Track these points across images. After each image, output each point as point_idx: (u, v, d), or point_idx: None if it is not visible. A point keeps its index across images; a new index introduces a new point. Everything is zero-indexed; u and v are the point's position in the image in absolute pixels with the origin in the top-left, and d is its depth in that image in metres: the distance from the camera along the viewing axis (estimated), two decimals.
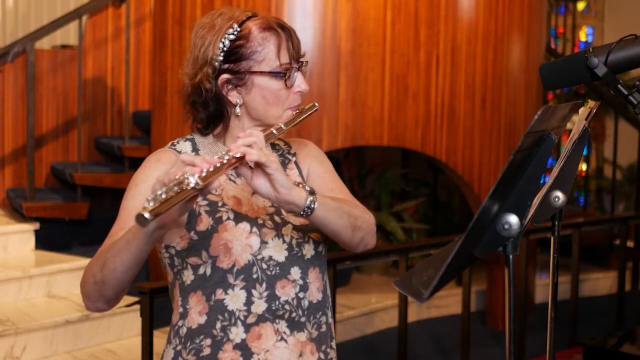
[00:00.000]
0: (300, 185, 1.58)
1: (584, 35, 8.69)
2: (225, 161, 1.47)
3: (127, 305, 3.23)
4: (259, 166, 1.52)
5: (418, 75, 4.44)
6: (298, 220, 1.71)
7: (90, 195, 5.04)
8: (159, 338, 3.05)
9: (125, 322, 4.11)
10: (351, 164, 5.70)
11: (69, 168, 5.01)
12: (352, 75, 4.28)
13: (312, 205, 1.57)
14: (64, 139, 5.32)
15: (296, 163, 1.81)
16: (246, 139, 1.52)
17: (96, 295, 1.63)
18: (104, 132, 5.52)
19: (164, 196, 1.38)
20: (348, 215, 1.66)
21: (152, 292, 2.92)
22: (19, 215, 4.87)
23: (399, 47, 4.37)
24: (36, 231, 4.69)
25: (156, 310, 2.97)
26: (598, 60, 1.53)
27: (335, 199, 1.67)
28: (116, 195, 5.17)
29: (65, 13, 5.18)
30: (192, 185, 1.40)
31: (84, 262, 4.26)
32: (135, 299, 3.12)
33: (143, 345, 2.95)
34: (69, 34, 6.02)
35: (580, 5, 8.46)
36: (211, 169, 1.44)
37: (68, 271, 4.28)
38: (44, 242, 4.72)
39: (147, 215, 1.35)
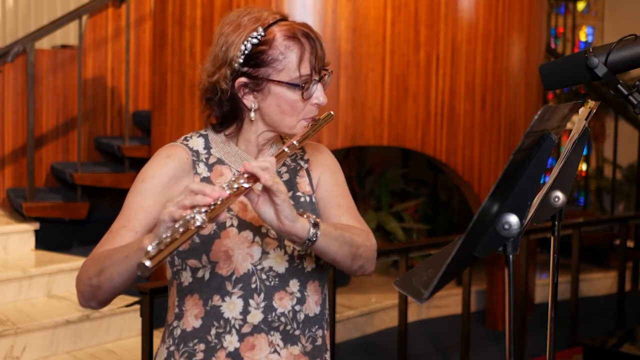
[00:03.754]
0: (306, 216, 1.56)
1: (584, 35, 8.69)
2: (235, 189, 1.45)
3: (127, 305, 3.23)
4: (266, 192, 1.50)
5: (418, 75, 4.44)
6: None
7: (90, 195, 5.04)
8: (159, 338, 3.05)
9: (125, 322, 4.11)
10: (351, 164, 5.70)
11: (69, 168, 5.01)
12: (352, 75, 4.28)
13: (314, 238, 1.56)
14: (64, 139, 5.32)
15: (307, 171, 1.78)
16: (260, 163, 1.49)
17: (90, 296, 1.63)
18: (104, 132, 5.52)
19: (168, 240, 1.37)
20: (349, 245, 1.65)
21: (152, 292, 2.92)
22: (19, 215, 4.87)
23: (399, 47, 4.37)
24: (36, 231, 4.69)
25: (156, 310, 2.97)
26: (598, 60, 1.53)
27: (339, 227, 1.65)
28: (116, 195, 5.17)
29: (65, 13, 5.18)
30: (198, 224, 1.39)
31: None
32: (135, 299, 3.12)
33: (143, 345, 2.95)
34: (69, 34, 6.02)
35: (580, 5, 8.45)
36: (219, 202, 1.42)
37: (68, 271, 4.28)
38: (44, 242, 4.72)
39: (148, 263, 1.34)
